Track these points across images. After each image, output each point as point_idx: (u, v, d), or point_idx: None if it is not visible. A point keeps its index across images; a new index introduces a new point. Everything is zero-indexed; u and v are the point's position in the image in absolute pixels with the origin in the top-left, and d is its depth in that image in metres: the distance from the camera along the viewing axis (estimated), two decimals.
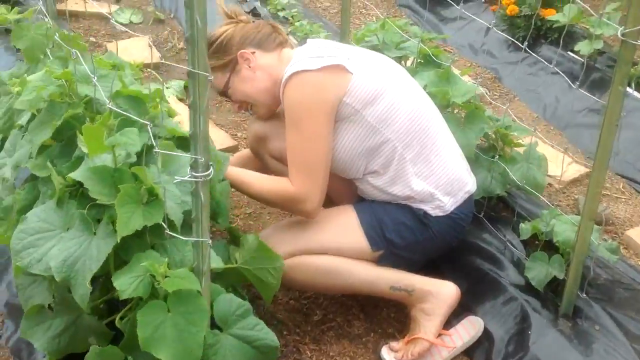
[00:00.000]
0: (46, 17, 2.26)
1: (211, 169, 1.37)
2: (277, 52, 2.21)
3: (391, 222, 2.15)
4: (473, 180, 2.28)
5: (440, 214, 2.16)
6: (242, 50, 2.17)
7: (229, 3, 2.32)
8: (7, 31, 3.45)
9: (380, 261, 2.17)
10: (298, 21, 4.13)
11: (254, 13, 4.37)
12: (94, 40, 4.25)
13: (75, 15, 4.48)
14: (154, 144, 1.34)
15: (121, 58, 2.65)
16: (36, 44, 2.16)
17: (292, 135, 2.06)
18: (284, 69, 2.09)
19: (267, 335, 1.70)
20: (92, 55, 1.86)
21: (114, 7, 4.65)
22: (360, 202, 2.25)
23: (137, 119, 1.41)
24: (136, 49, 4.06)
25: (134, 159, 1.66)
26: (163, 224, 1.50)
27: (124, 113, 1.43)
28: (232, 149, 3.12)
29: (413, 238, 2.16)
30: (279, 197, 2.11)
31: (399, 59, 2.90)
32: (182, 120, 3.33)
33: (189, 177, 1.36)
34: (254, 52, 2.18)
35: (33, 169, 1.81)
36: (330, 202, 2.28)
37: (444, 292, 2.17)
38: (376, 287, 2.18)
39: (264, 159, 2.43)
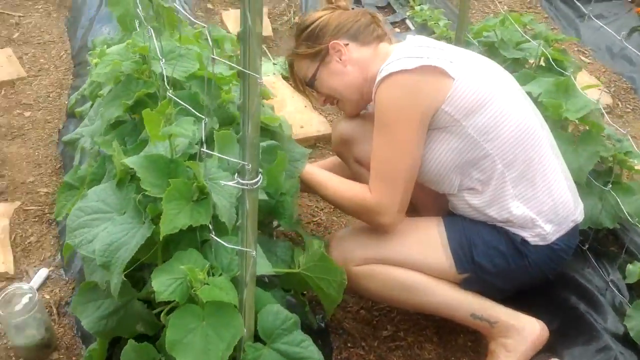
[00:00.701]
0: None
1: (260, 176, 1.24)
2: (373, 46, 2.03)
3: (483, 244, 1.95)
4: (581, 207, 2.03)
5: (540, 243, 1.93)
6: (335, 41, 2.00)
7: None
8: None
9: (463, 284, 1.98)
10: (419, 4, 3.87)
11: None
12: (211, 7, 4.21)
13: None
14: (202, 140, 1.22)
15: (223, 31, 2.57)
16: (130, 11, 2.09)
17: (379, 139, 1.89)
18: (378, 66, 1.91)
19: (312, 354, 1.57)
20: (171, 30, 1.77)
21: None
22: (450, 216, 2.05)
23: (193, 110, 1.30)
24: None
25: (195, 149, 1.56)
26: (209, 225, 1.39)
27: (182, 103, 1.32)
28: (327, 137, 2.97)
29: (505, 265, 1.95)
30: (355, 204, 1.96)
31: (517, 61, 2.63)
32: (281, 100, 3.22)
33: (235, 183, 1.23)
34: (348, 44, 2.00)
35: (102, 145, 1.76)
36: (414, 212, 2.09)
37: (529, 329, 1.96)
38: (456, 312, 2.00)
39: (349, 164, 2.25)
